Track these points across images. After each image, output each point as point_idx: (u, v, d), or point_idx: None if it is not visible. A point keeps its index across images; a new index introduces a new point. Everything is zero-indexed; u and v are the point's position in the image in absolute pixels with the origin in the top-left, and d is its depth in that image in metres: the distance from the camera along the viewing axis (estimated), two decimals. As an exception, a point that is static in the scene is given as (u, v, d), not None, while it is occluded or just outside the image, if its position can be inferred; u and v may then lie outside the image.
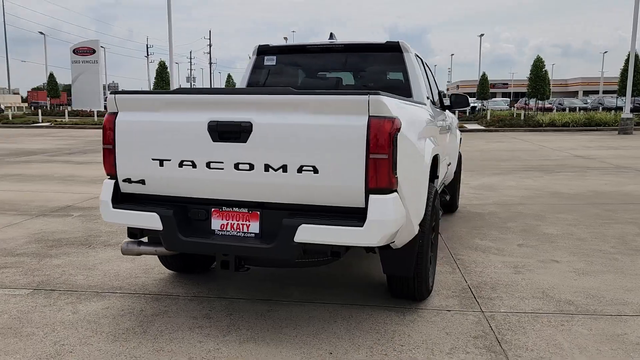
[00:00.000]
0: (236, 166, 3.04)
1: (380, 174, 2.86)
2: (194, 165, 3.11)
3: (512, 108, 40.31)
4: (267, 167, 2.99)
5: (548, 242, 5.54)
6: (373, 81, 4.73)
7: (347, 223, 2.88)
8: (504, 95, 76.32)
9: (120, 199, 3.36)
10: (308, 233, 2.92)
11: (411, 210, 3.17)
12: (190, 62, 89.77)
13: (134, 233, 3.40)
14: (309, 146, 2.91)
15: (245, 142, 3.00)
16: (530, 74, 29.53)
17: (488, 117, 27.61)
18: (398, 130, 2.90)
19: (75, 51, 38.87)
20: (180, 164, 3.14)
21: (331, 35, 4.76)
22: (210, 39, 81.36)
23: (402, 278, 3.61)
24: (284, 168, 2.97)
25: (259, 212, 3.13)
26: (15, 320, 3.48)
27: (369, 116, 2.83)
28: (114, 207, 3.31)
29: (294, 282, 4.25)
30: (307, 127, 2.91)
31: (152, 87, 41.94)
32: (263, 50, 4.77)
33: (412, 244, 3.41)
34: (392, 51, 4.50)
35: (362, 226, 2.86)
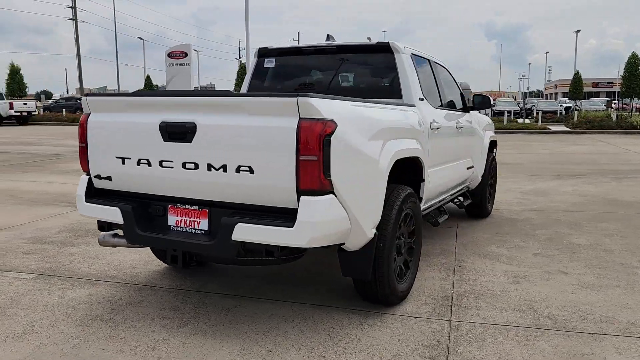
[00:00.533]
0: (184, 165, 3.16)
1: (311, 176, 2.86)
2: (149, 164, 3.28)
3: (609, 109, 37.55)
4: (209, 167, 3.09)
5: (569, 252, 5.19)
6: (364, 82, 4.68)
7: (279, 223, 2.91)
8: (608, 95, 71.29)
9: (94, 194, 3.60)
10: (243, 232, 2.98)
11: (359, 213, 3.13)
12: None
13: (102, 226, 3.62)
14: (245, 147, 2.98)
15: (190, 142, 3.11)
16: (624, 72, 27.39)
17: (575, 119, 25.92)
18: (331, 132, 2.88)
19: (170, 55, 40.92)
20: (138, 162, 3.32)
21: (328, 37, 4.76)
22: (298, 40, 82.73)
23: (363, 281, 3.57)
24: (224, 168, 3.05)
25: (207, 210, 3.23)
26: (8, 301, 3.84)
27: (299, 118, 2.84)
28: (86, 201, 3.56)
29: (276, 281, 4.32)
30: (244, 128, 2.97)
31: (234, 87, 43.47)
32: (263, 53, 4.87)
33: (369, 247, 3.36)
34: (383, 52, 4.43)
35: (292, 227, 2.88)
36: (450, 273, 4.53)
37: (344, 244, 3.22)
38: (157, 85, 50.89)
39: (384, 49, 4.40)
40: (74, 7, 49.54)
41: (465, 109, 5.84)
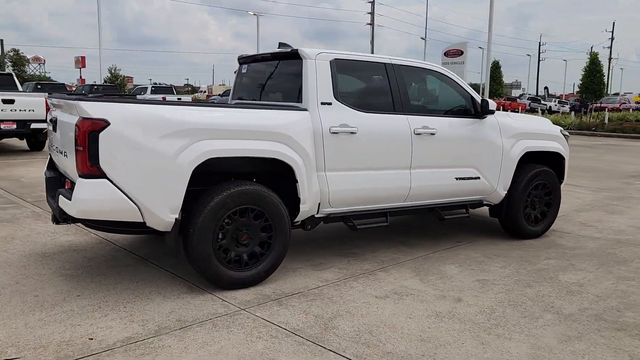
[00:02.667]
0: (57, 150, 4.30)
1: (82, 163, 3.65)
2: (51, 147, 4.52)
3: None
4: (63, 152, 4.15)
5: (488, 285, 4.47)
6: (281, 87, 4.93)
7: (68, 197, 3.80)
8: None
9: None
10: (62, 201, 3.95)
11: (144, 199, 3.75)
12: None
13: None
14: (66, 138, 3.94)
15: (56, 132, 4.23)
16: None
17: None
18: (100, 129, 3.60)
19: (446, 53, 41.88)
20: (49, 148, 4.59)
21: (280, 45, 5.14)
22: (612, 32, 73.06)
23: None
24: (64, 153, 4.07)
25: (69, 182, 4.25)
26: (33, 234, 5.55)
27: (79, 117, 3.66)
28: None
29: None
30: (64, 123, 3.94)
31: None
32: (240, 60, 5.56)
33: (174, 230, 3.92)
34: (294, 58, 4.67)
35: (70, 200, 3.74)
36: (311, 271, 4.53)
37: (144, 222, 3.87)
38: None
39: (295, 56, 4.66)
40: (372, 13, 54.53)
41: (477, 114, 5.40)
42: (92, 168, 3.64)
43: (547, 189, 6.01)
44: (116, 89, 31.14)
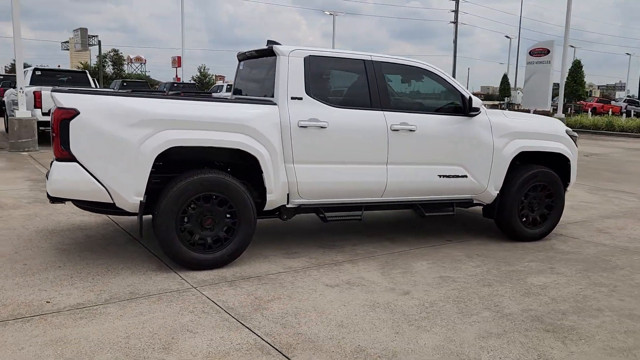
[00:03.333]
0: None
1: (56, 148, 4.12)
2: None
3: None
4: None
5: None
6: (263, 83, 5.14)
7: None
8: None
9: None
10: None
11: (110, 182, 4.16)
12: None
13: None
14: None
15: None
16: None
17: None
18: (71, 117, 4.05)
19: (531, 52, 39.90)
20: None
21: (268, 42, 5.38)
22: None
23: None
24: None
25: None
26: (55, 214, 6.19)
27: (55, 106, 4.13)
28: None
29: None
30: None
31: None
32: (239, 57, 5.87)
33: (140, 212, 4.31)
34: (271, 55, 4.91)
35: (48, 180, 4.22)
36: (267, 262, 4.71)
37: (114, 203, 4.29)
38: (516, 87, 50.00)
39: (271, 53, 4.90)
40: (456, 11, 53.30)
41: (465, 112, 5.37)
42: (63, 152, 4.10)
43: (547, 191, 5.82)
44: (195, 87, 32.73)
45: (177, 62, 71.65)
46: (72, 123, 4.07)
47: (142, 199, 4.28)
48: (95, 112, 4.13)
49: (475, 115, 5.37)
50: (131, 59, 77.03)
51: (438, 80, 5.45)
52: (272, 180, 4.66)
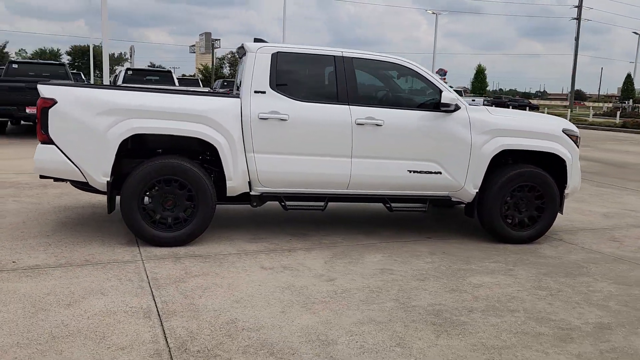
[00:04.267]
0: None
1: (38, 132, 4.79)
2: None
3: None
4: None
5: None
6: (240, 77, 5.49)
7: (37, 158, 4.97)
8: None
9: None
10: None
11: (81, 163, 4.76)
12: None
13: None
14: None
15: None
16: None
17: None
18: (49, 106, 4.69)
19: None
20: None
21: (255, 40, 5.69)
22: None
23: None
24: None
25: None
26: (83, 193, 7.03)
27: (40, 96, 4.80)
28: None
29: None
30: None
31: None
32: (237, 54, 6.27)
33: (107, 191, 4.87)
34: (244, 51, 5.26)
35: (34, 160, 4.91)
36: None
37: (87, 182, 4.89)
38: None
39: (244, 49, 5.25)
40: (579, 7, 49.70)
41: (437, 107, 5.31)
42: (44, 136, 4.75)
43: (536, 192, 5.56)
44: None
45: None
46: (51, 111, 4.72)
47: (109, 179, 4.83)
48: (70, 101, 4.75)
49: (448, 111, 5.30)
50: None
51: (415, 77, 5.45)
52: (231, 168, 5.00)
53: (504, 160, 5.68)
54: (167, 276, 4.22)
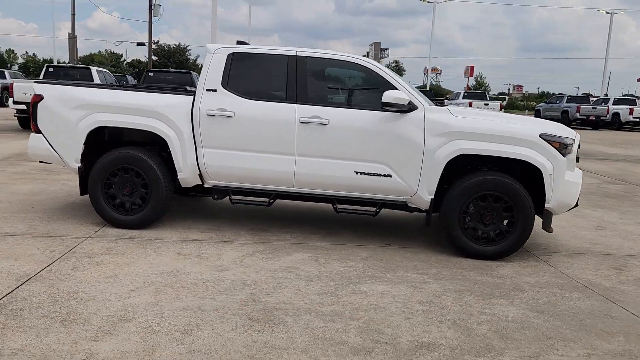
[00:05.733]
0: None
1: (31, 123, 5.67)
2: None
3: None
4: None
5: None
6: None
7: (32, 144, 5.86)
8: None
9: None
10: None
11: (59, 151, 5.53)
12: None
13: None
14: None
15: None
16: None
17: None
18: (38, 100, 5.53)
19: None
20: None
21: (237, 43, 5.93)
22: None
23: None
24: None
25: None
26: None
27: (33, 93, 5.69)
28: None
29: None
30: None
31: None
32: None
33: (79, 174, 5.58)
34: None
35: (29, 146, 5.82)
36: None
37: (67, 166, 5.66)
38: None
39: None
40: None
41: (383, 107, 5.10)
42: (34, 126, 5.63)
43: (505, 204, 4.97)
44: (431, 93, 32.96)
45: (470, 71, 72.17)
46: (39, 105, 5.56)
47: (79, 165, 5.53)
48: (53, 97, 5.54)
49: (393, 111, 5.02)
50: (427, 70, 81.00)
51: (373, 76, 5.27)
52: (181, 161, 5.37)
53: (477, 167, 5.19)
54: (87, 252, 4.72)
